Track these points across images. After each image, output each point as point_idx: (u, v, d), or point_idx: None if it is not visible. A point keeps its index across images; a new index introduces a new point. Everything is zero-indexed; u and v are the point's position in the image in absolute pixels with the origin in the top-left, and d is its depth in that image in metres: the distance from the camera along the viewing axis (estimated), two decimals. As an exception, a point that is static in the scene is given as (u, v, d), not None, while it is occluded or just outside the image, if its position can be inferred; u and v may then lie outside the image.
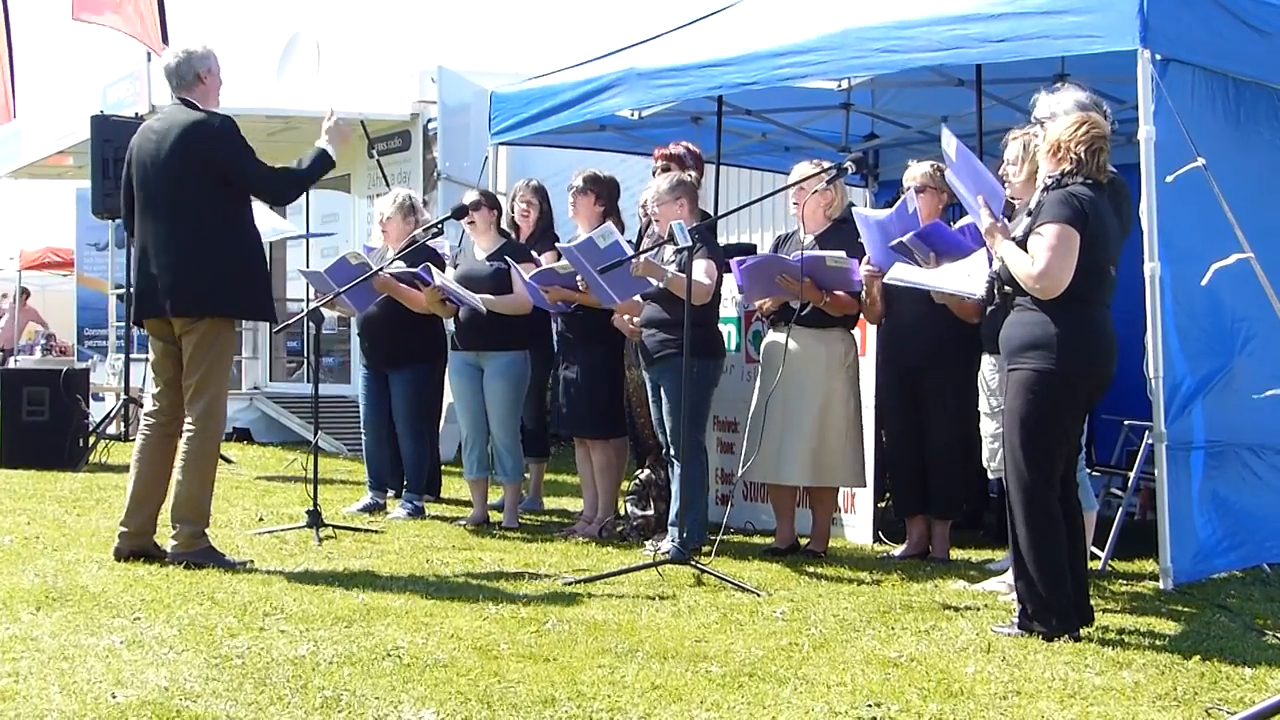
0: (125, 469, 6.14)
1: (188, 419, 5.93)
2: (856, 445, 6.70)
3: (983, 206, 5.12)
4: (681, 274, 6.07)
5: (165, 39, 11.88)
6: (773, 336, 6.75)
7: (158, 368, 6.09)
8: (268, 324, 7.17)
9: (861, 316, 6.75)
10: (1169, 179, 4.69)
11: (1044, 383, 4.84)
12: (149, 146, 5.99)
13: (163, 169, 5.93)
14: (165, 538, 6.01)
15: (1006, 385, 5.01)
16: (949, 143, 5.41)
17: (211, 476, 6.01)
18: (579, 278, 6.78)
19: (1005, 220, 5.18)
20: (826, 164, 6.73)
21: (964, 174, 5.35)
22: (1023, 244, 4.89)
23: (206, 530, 6.00)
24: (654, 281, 6.45)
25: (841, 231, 6.67)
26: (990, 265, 5.37)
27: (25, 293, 21.19)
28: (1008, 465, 4.97)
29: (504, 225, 7.79)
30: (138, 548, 5.96)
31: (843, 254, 6.35)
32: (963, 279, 5.62)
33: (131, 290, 6.50)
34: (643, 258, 6.41)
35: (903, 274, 5.87)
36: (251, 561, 6.03)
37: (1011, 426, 4.93)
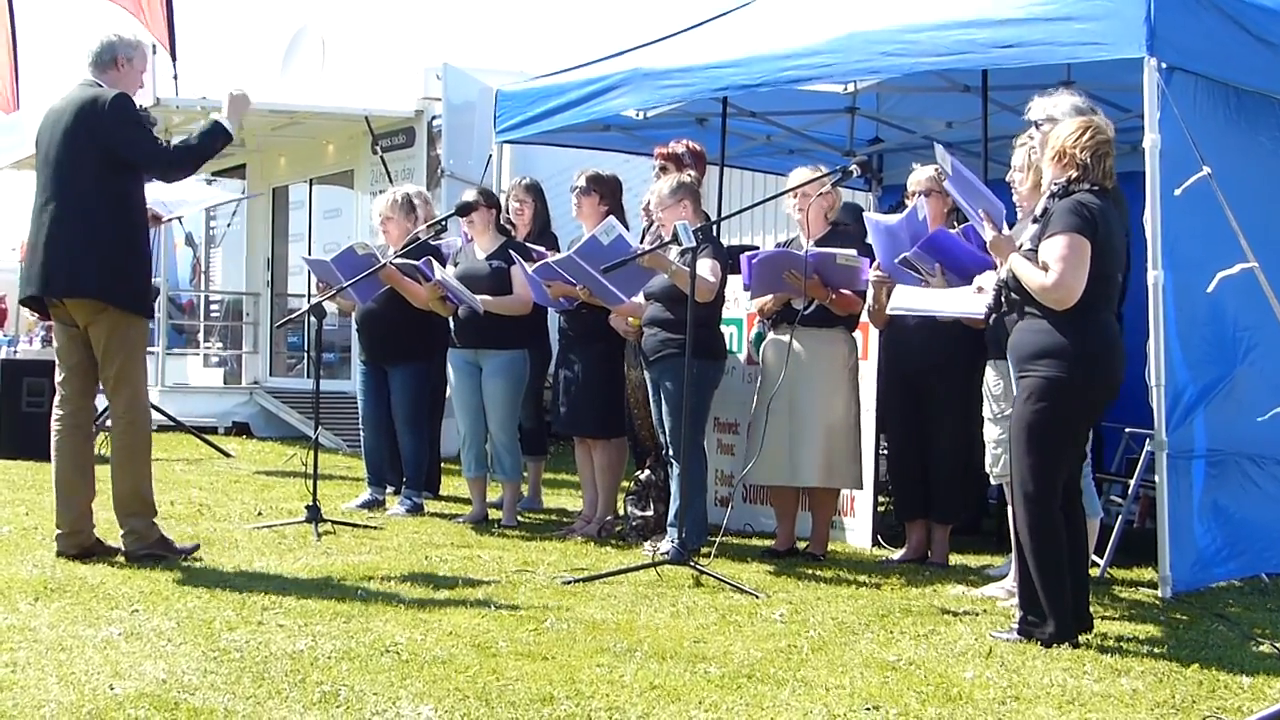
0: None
1: (114, 413, 5.86)
2: (857, 448, 6.70)
3: (985, 220, 5.09)
4: (687, 269, 6.07)
5: (172, 37, 11.86)
6: (774, 337, 6.74)
7: (61, 354, 5.92)
8: (270, 320, 7.11)
9: (864, 319, 6.74)
10: (1177, 192, 4.68)
11: (1054, 390, 4.82)
12: (47, 125, 5.90)
13: (56, 147, 5.82)
14: (111, 534, 5.92)
15: (1015, 392, 4.99)
16: (943, 158, 5.37)
17: (148, 467, 5.91)
18: (579, 286, 6.77)
19: (1009, 232, 5.15)
20: (824, 168, 6.72)
21: (960, 189, 5.33)
22: (1031, 252, 4.88)
23: (155, 519, 5.91)
24: (662, 272, 6.44)
25: (838, 234, 6.67)
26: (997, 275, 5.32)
27: None
28: (1013, 471, 4.95)
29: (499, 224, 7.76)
30: (78, 546, 5.78)
31: (854, 252, 6.35)
32: (970, 300, 5.54)
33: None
34: (650, 251, 6.39)
35: (906, 301, 5.72)
36: (198, 546, 6.00)
37: (1019, 433, 4.90)
